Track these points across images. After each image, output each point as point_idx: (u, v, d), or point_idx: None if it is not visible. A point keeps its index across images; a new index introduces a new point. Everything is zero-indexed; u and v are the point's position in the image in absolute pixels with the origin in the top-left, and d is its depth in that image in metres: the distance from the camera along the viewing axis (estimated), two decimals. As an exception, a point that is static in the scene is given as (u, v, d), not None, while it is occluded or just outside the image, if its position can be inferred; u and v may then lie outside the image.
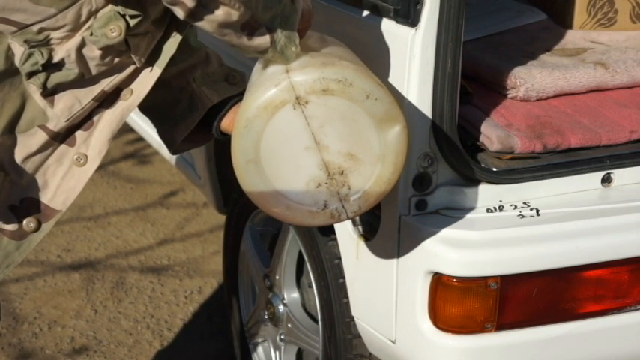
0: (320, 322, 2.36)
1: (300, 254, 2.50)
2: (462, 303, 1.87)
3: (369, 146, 1.64)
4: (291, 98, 1.59)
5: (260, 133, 1.61)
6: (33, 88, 1.64)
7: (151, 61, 1.70)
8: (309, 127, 1.61)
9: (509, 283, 1.86)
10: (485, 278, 1.85)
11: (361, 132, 1.63)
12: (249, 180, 1.64)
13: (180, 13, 1.51)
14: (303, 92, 1.59)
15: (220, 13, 1.50)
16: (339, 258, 2.19)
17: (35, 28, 1.59)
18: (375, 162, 1.65)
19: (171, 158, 3.43)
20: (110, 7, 1.60)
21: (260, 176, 1.64)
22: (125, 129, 4.19)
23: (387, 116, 1.62)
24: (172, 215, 4.03)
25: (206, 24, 1.52)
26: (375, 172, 1.65)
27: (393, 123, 1.63)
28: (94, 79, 1.67)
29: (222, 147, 2.79)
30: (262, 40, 1.57)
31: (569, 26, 2.51)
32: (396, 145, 1.64)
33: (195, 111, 1.85)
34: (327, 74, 1.59)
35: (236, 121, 1.63)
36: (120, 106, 1.71)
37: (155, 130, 1.95)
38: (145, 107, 1.86)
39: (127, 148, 4.60)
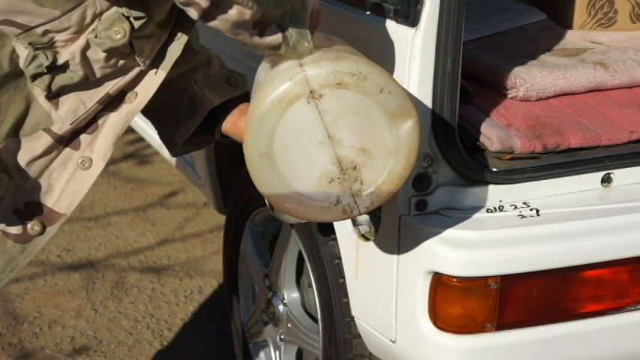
0: (320, 322, 2.36)
1: (300, 254, 2.50)
2: (462, 303, 1.87)
3: (381, 141, 1.64)
4: (305, 92, 1.59)
5: (274, 127, 1.60)
6: (37, 91, 1.64)
7: (155, 63, 1.70)
8: (322, 122, 1.61)
9: (509, 283, 1.87)
10: (485, 278, 1.85)
11: (374, 126, 1.63)
12: (261, 175, 1.64)
13: (194, 13, 1.51)
14: (317, 86, 1.59)
15: (234, 12, 1.50)
16: (339, 258, 2.19)
17: (39, 30, 1.59)
18: (388, 157, 1.65)
19: (172, 158, 3.43)
20: (115, 9, 1.60)
21: (273, 171, 1.63)
22: (126, 129, 4.19)
23: (399, 110, 1.62)
24: (172, 215, 4.03)
25: (219, 24, 1.52)
26: (388, 167, 1.65)
27: (406, 117, 1.63)
28: (99, 82, 1.67)
29: (222, 147, 2.80)
30: (274, 38, 1.56)
31: (569, 26, 2.51)
32: (408, 139, 1.64)
33: (197, 113, 1.85)
34: (342, 68, 1.59)
35: (249, 116, 1.62)
36: (124, 109, 1.71)
37: (156, 131, 1.95)
38: (146, 109, 1.86)
39: (127, 148, 4.60)
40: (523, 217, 1.92)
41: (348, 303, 2.19)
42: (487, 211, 1.94)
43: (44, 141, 1.66)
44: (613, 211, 1.96)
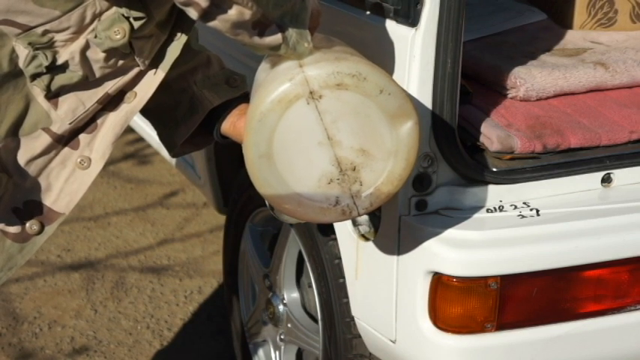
0: (320, 322, 2.36)
1: (300, 254, 2.50)
2: (462, 303, 1.87)
3: (381, 142, 1.64)
4: (305, 92, 1.59)
5: (274, 128, 1.61)
6: (37, 91, 1.64)
7: (154, 63, 1.70)
8: (322, 122, 1.61)
9: (509, 283, 1.87)
10: (485, 278, 1.85)
11: (374, 127, 1.63)
12: (261, 175, 1.64)
13: (193, 13, 1.51)
14: (317, 86, 1.59)
15: (233, 12, 1.50)
16: (339, 258, 2.19)
17: (39, 30, 1.59)
18: (387, 157, 1.65)
19: (172, 158, 3.43)
20: (114, 9, 1.60)
21: (272, 171, 1.63)
22: (125, 129, 4.19)
23: (399, 111, 1.62)
24: (172, 215, 4.03)
25: (219, 24, 1.52)
26: (387, 168, 1.65)
27: (406, 118, 1.63)
28: (98, 82, 1.67)
29: (222, 147, 2.80)
30: (274, 38, 1.56)
31: (569, 26, 2.51)
32: (408, 140, 1.64)
33: (196, 114, 1.85)
34: (341, 69, 1.59)
35: (249, 116, 1.62)
36: (124, 109, 1.71)
37: (155, 132, 1.95)
38: (146, 109, 1.86)
39: (127, 148, 4.60)
40: (523, 217, 1.92)
41: (348, 303, 2.19)
42: (487, 211, 1.94)
43: (43, 140, 1.66)
44: (613, 211, 1.96)
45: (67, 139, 1.69)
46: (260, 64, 1.75)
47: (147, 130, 3.44)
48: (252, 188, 1.73)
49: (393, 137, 1.64)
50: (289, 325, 2.58)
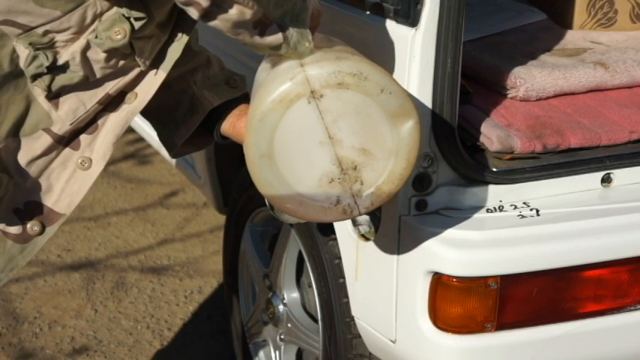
0: (320, 322, 2.36)
1: (300, 254, 2.50)
2: (461, 303, 1.87)
3: (382, 141, 1.64)
4: (306, 92, 1.59)
5: (275, 127, 1.61)
6: (37, 91, 1.64)
7: (155, 64, 1.70)
8: (323, 122, 1.61)
9: (509, 283, 1.87)
10: (485, 278, 1.85)
11: (374, 127, 1.63)
12: (262, 175, 1.64)
13: (194, 13, 1.51)
14: (318, 86, 1.59)
15: (234, 12, 1.50)
16: (339, 258, 2.19)
17: (40, 30, 1.59)
18: (388, 157, 1.65)
19: (172, 159, 3.42)
20: (115, 9, 1.60)
21: (273, 171, 1.63)
22: (125, 129, 4.19)
23: (400, 111, 1.62)
24: (172, 215, 4.03)
25: (220, 23, 1.52)
26: (388, 168, 1.66)
27: (407, 118, 1.63)
28: (99, 83, 1.67)
29: (222, 147, 2.80)
30: (275, 38, 1.57)
31: (569, 26, 2.51)
32: (408, 140, 1.64)
33: (196, 114, 1.85)
34: (342, 68, 1.59)
35: (249, 116, 1.62)
36: (124, 109, 1.71)
37: (155, 132, 1.95)
38: (146, 110, 1.85)
39: (127, 148, 4.61)
40: (523, 217, 1.92)
41: (348, 303, 2.19)
42: (487, 211, 1.94)
43: (44, 141, 1.66)
44: (613, 211, 1.96)
45: (67, 140, 1.69)
46: (260, 64, 1.75)
47: (147, 130, 3.44)
48: (252, 188, 1.73)
49: (394, 136, 1.64)
50: (289, 325, 2.58)
